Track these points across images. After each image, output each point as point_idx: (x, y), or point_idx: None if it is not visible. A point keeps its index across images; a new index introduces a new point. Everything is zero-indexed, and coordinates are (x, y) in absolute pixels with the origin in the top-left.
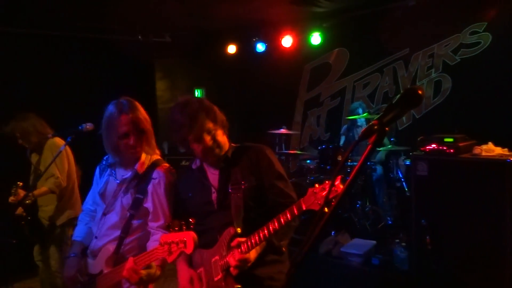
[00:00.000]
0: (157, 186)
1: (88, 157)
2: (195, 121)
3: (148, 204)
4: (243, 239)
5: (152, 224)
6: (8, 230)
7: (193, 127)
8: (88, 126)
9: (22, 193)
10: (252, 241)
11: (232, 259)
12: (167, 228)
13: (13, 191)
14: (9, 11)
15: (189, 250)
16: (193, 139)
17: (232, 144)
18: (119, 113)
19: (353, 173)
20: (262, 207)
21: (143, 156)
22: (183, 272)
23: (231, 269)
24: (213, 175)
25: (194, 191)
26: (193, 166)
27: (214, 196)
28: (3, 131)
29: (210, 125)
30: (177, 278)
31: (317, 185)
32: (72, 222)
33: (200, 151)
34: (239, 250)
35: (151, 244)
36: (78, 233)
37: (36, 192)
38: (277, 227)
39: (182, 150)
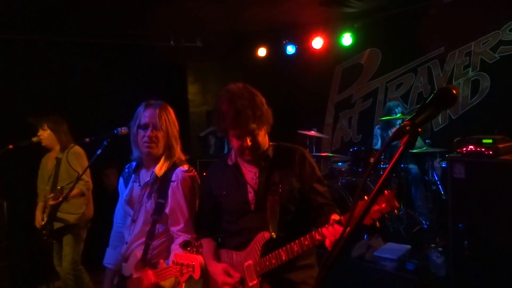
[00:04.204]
0: (175, 189)
1: (123, 162)
2: (240, 118)
3: (167, 209)
4: (337, 217)
5: (172, 229)
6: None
7: (237, 124)
8: (123, 130)
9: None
10: (295, 249)
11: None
12: (183, 246)
13: (53, 195)
14: (52, 21)
15: (196, 275)
16: (234, 135)
17: (270, 143)
18: (145, 107)
19: (384, 176)
20: (300, 211)
21: (162, 159)
22: (215, 266)
23: (329, 240)
24: (250, 173)
25: (229, 189)
26: (229, 162)
27: (251, 196)
28: (29, 120)
29: (254, 125)
30: (209, 274)
31: (366, 198)
32: (86, 224)
33: (237, 147)
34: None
35: (174, 247)
36: (108, 259)
37: (71, 194)
38: (321, 239)
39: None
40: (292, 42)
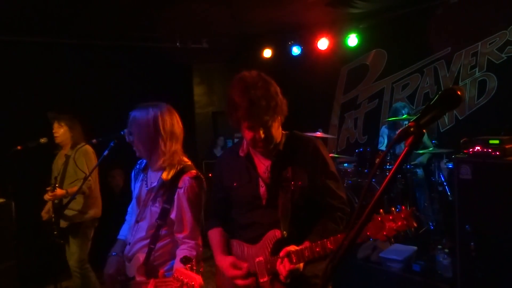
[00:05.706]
0: (182, 196)
1: (130, 163)
2: (253, 109)
3: (173, 215)
4: (292, 249)
5: (177, 235)
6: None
7: (250, 115)
8: None
9: (59, 191)
10: (306, 254)
11: (282, 269)
12: (183, 262)
13: (50, 188)
14: (58, 23)
15: None
16: (246, 126)
17: (283, 132)
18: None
19: (388, 177)
20: (312, 207)
21: (167, 163)
22: (222, 259)
23: (281, 277)
24: (262, 166)
25: (240, 181)
26: (241, 153)
27: (262, 190)
28: (47, 115)
29: (267, 117)
30: (217, 266)
31: (382, 211)
32: (93, 223)
33: (249, 139)
34: (289, 259)
35: (180, 252)
36: (122, 231)
37: (70, 190)
38: (333, 248)
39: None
40: (297, 43)
